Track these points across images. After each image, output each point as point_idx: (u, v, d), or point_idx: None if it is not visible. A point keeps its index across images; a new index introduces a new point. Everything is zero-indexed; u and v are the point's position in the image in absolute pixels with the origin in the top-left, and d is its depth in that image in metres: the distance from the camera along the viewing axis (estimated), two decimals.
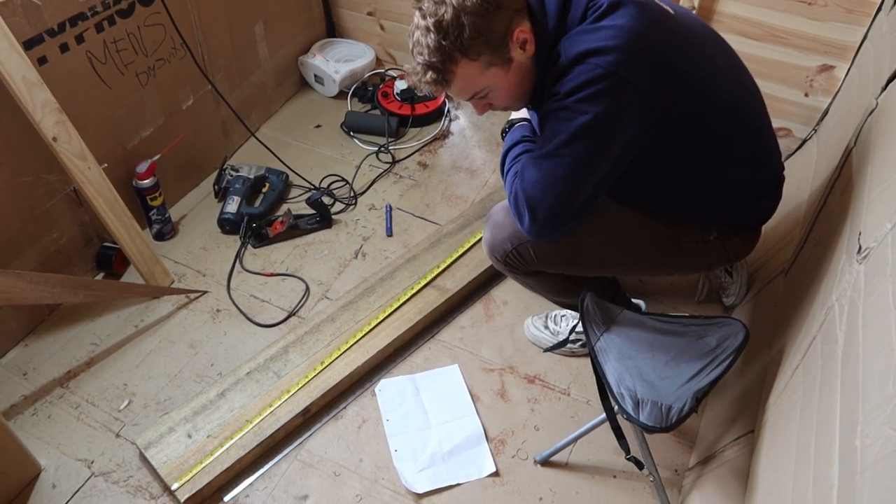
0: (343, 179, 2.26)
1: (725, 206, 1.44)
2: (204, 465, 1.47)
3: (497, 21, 1.20)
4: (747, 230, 1.50)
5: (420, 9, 1.22)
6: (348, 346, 1.70)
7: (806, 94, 2.06)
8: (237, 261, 1.99)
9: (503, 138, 1.53)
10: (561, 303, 1.71)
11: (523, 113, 1.55)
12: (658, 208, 1.45)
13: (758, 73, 1.42)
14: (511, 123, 1.54)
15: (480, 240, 1.91)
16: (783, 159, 1.50)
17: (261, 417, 1.55)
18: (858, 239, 1.12)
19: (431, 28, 1.19)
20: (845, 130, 1.61)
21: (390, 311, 1.77)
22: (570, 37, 1.23)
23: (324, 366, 1.65)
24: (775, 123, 1.49)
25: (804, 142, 2.10)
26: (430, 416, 1.63)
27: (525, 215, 1.32)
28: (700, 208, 1.43)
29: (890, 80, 1.38)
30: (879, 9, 1.79)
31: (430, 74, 1.24)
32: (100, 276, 1.94)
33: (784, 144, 2.10)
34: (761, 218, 1.50)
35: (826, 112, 2.04)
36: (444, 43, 1.19)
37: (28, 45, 1.52)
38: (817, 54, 1.98)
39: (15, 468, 1.48)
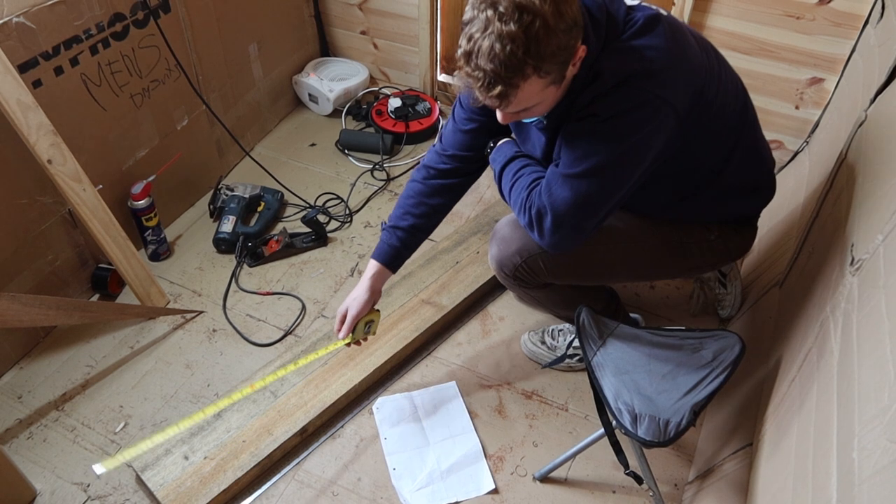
0: (338, 197, 2.27)
1: (729, 204, 1.46)
2: (201, 487, 1.46)
3: (572, 38, 1.11)
4: (746, 227, 1.52)
5: (496, 10, 1.05)
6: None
7: (797, 107, 2.08)
8: (233, 280, 1.99)
9: (487, 155, 1.53)
10: (566, 317, 1.70)
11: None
12: (663, 213, 1.47)
13: (749, 86, 1.44)
14: (494, 141, 1.55)
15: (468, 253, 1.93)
16: (776, 172, 1.53)
17: (258, 438, 1.55)
18: (851, 251, 1.13)
19: (515, 37, 1.05)
20: (836, 142, 1.62)
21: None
22: (610, 53, 1.20)
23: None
24: (767, 136, 1.51)
25: (796, 154, 2.12)
26: (428, 433, 1.63)
27: (548, 229, 1.31)
28: (705, 207, 1.46)
29: (878, 93, 1.40)
30: (867, 22, 1.82)
31: (498, 88, 1.10)
32: (95, 298, 1.94)
33: (777, 157, 2.11)
34: (758, 209, 1.52)
35: (817, 124, 2.05)
36: (525, 57, 1.06)
37: (23, 68, 1.53)
38: (807, 67, 2.00)
39: (10, 493, 1.47)
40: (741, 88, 1.41)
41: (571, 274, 1.49)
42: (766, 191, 1.50)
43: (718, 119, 1.32)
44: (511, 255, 1.48)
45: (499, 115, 1.25)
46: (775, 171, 1.53)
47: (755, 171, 1.47)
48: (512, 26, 1.05)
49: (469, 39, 1.09)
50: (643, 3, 1.27)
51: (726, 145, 1.38)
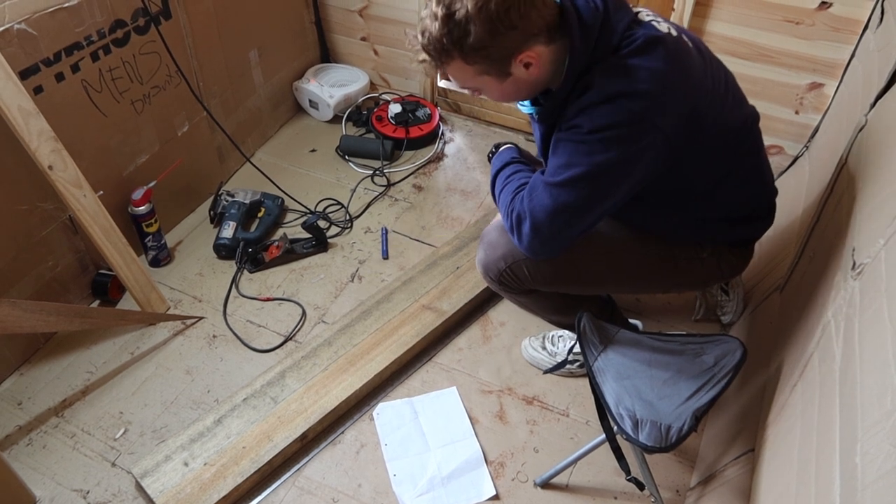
0: (338, 203, 2.27)
1: (722, 228, 1.45)
2: (201, 493, 1.46)
3: (506, 40, 1.16)
4: (740, 247, 1.51)
5: None
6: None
7: (796, 112, 2.08)
8: (233, 286, 1.99)
9: (489, 161, 1.55)
10: (557, 322, 1.71)
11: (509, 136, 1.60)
12: (654, 227, 1.46)
13: (749, 91, 1.44)
14: (497, 145, 1.57)
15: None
16: (776, 177, 1.52)
17: (258, 444, 1.54)
18: (852, 255, 1.13)
19: (439, 18, 1.16)
20: (836, 147, 1.62)
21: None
22: (603, 68, 1.21)
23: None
24: (767, 141, 1.51)
25: (796, 159, 2.12)
26: (429, 439, 1.62)
27: (526, 234, 1.32)
28: (698, 228, 1.44)
29: (878, 97, 1.40)
30: (866, 27, 1.82)
31: (423, 56, 1.24)
32: (95, 304, 1.93)
33: (776, 162, 2.12)
34: (754, 236, 1.51)
35: (817, 129, 2.06)
36: (444, 40, 1.17)
37: (24, 74, 1.53)
38: (806, 72, 2.00)
39: (9, 499, 1.46)
40: (749, 116, 1.40)
41: (555, 281, 1.48)
42: (762, 220, 1.49)
43: (714, 144, 1.31)
44: (496, 259, 1.48)
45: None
46: (775, 177, 1.52)
47: (753, 200, 1.46)
48: (440, 10, 1.15)
49: (426, 6, 1.22)
50: (654, 22, 1.25)
51: (721, 169, 1.36)
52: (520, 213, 1.33)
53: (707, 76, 1.29)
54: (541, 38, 1.19)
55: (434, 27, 1.17)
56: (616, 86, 1.19)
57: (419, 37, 1.22)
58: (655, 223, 1.45)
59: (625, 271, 1.50)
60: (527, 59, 1.20)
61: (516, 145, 1.57)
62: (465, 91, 1.35)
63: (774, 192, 1.50)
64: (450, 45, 1.17)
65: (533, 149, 1.53)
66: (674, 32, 1.25)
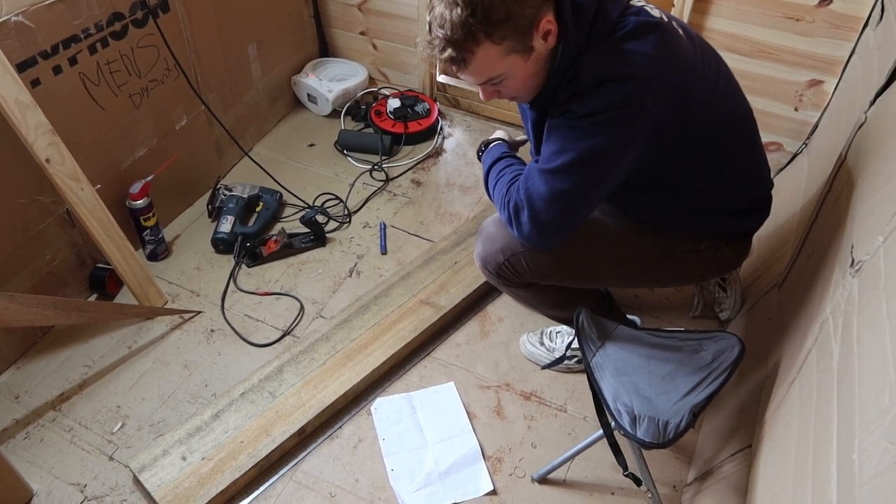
0: (337, 198, 2.26)
1: (717, 219, 1.45)
2: (199, 487, 1.45)
3: (527, 6, 1.15)
4: (738, 240, 1.51)
5: None
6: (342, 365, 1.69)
7: (796, 109, 2.08)
8: (231, 280, 1.99)
9: (479, 158, 1.55)
10: (555, 317, 1.71)
11: (497, 133, 1.60)
12: (651, 217, 1.47)
13: (748, 88, 1.44)
14: (486, 143, 1.57)
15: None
16: (775, 174, 1.52)
17: (256, 438, 1.54)
18: (851, 252, 1.13)
19: (459, 2, 1.13)
20: (835, 144, 1.62)
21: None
22: (594, 53, 1.21)
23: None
24: (766, 138, 1.51)
25: (795, 156, 2.12)
26: (427, 434, 1.62)
27: (524, 223, 1.32)
28: (694, 219, 1.45)
29: (878, 95, 1.40)
30: (866, 24, 1.82)
31: (448, 51, 1.18)
32: (93, 298, 1.93)
33: (775, 158, 2.12)
34: (751, 228, 1.52)
35: (816, 126, 2.05)
36: (471, 20, 1.13)
37: (21, 67, 1.52)
38: (806, 69, 2.00)
39: (6, 493, 1.46)
40: (741, 107, 1.40)
41: (554, 274, 1.49)
42: (759, 213, 1.50)
43: (707, 133, 1.32)
44: (494, 252, 1.48)
45: (480, 93, 1.30)
46: (773, 174, 1.53)
47: (750, 193, 1.46)
48: None
49: (430, 11, 1.19)
50: (646, 7, 1.26)
51: (717, 160, 1.37)
52: (517, 203, 1.33)
53: (697, 61, 1.29)
54: (550, 4, 1.19)
55: (455, 13, 1.13)
56: (607, 70, 1.20)
57: (439, 31, 1.17)
58: (652, 213, 1.46)
59: (622, 263, 1.51)
60: (546, 27, 1.18)
61: (504, 140, 1.57)
62: (482, 91, 1.30)
63: (771, 185, 1.50)
64: (476, 24, 1.13)
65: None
66: (665, 18, 1.26)
